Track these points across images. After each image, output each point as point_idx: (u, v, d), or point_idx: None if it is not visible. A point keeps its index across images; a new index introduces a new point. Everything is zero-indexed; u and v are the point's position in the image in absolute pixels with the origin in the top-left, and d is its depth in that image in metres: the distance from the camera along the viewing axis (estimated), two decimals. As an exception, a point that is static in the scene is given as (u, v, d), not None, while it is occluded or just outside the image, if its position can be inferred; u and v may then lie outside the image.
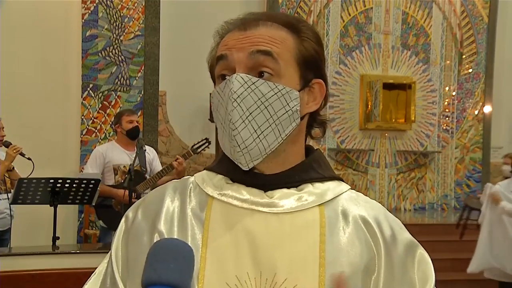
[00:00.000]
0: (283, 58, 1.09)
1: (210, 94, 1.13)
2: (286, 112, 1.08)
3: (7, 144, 4.78)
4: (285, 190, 1.10)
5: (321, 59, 1.15)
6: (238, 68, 1.07)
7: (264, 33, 1.09)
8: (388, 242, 1.10)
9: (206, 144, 5.33)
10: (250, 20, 1.12)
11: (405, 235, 1.13)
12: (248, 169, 1.08)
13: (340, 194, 1.14)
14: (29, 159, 4.77)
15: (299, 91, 1.10)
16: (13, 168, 4.86)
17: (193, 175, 1.21)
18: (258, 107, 1.06)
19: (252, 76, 1.07)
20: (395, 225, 1.13)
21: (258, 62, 1.07)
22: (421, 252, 1.12)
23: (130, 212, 1.17)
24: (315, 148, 1.20)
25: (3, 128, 4.88)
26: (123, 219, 1.16)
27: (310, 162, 1.14)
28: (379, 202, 1.18)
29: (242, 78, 1.06)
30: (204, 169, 1.21)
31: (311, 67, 1.12)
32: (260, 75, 1.08)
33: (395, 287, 1.08)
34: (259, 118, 1.06)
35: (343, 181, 1.18)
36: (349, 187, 1.17)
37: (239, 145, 1.05)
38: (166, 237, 1.07)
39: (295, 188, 1.11)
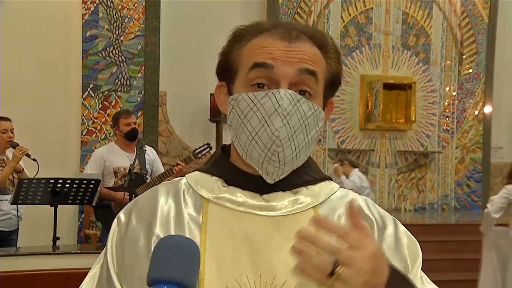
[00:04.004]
0: (320, 79, 1.09)
1: (224, 95, 1.09)
2: (317, 132, 1.09)
3: (14, 145, 4.83)
4: (280, 193, 1.11)
5: (341, 79, 1.15)
6: (283, 83, 1.05)
7: (308, 50, 1.08)
8: (379, 223, 1.14)
9: (208, 149, 5.32)
10: (292, 30, 1.09)
11: (391, 217, 1.18)
12: (273, 182, 1.09)
13: (332, 194, 1.16)
14: (34, 160, 4.83)
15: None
16: (23, 169, 4.90)
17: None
18: (300, 125, 1.05)
19: (297, 93, 1.06)
20: (381, 210, 1.19)
21: (302, 80, 1.06)
22: (407, 232, 1.17)
23: (122, 215, 1.15)
24: None
25: (12, 129, 4.92)
26: (115, 222, 1.14)
27: (303, 166, 1.15)
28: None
29: (291, 95, 1.04)
30: (195, 170, 1.21)
31: (334, 87, 1.14)
32: (300, 93, 1.07)
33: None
34: (300, 137, 1.06)
35: (331, 180, 1.21)
36: (338, 186, 1.20)
37: (279, 161, 1.05)
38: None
39: (290, 191, 1.13)
